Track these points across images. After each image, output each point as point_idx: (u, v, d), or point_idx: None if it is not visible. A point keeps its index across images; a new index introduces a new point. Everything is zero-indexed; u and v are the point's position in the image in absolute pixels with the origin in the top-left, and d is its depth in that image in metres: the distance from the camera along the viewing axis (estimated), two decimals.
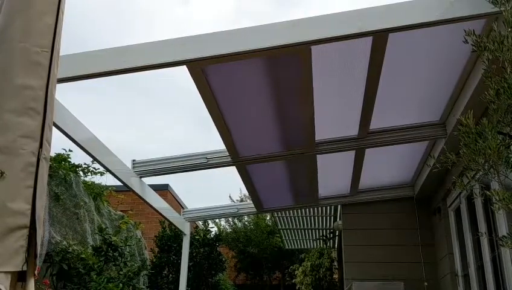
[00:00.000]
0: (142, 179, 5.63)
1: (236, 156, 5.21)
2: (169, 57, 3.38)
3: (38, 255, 1.50)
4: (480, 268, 5.25)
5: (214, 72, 3.67)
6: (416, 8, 3.27)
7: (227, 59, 3.41)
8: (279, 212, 9.22)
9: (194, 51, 3.37)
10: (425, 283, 6.59)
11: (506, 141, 2.48)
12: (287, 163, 5.78)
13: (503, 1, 2.52)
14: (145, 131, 28.83)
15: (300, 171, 6.11)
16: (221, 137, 4.71)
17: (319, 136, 4.98)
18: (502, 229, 4.24)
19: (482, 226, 4.90)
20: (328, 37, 3.27)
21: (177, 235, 10.36)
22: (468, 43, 2.57)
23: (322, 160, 5.70)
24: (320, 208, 9.11)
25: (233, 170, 5.62)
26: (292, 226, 10.43)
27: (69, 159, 7.28)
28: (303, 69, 3.65)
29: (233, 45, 3.34)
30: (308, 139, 4.92)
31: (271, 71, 3.90)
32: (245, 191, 19.23)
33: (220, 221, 18.31)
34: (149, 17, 23.67)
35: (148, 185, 5.88)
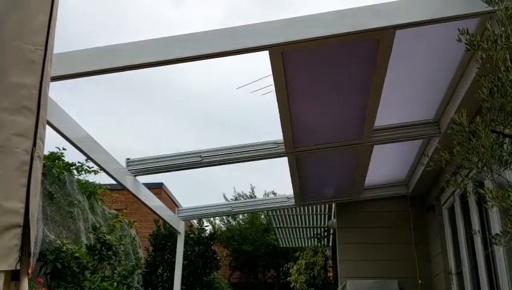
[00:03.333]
0: (137, 177, 5.62)
1: (292, 147, 5.09)
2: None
3: (32, 254, 1.50)
4: (473, 266, 5.28)
5: (290, 59, 3.61)
6: (409, 6, 3.27)
7: (313, 44, 3.32)
8: (275, 211, 9.23)
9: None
10: (420, 281, 6.63)
11: (500, 139, 2.49)
12: (337, 155, 5.68)
13: (497, 0, 2.52)
14: (141, 130, 28.78)
15: (350, 163, 5.97)
16: (282, 125, 4.59)
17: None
18: (496, 227, 4.27)
19: (476, 224, 4.92)
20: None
21: (172, 233, 10.35)
22: (461, 42, 2.58)
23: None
24: (314, 206, 9.12)
25: (232, 169, 5.57)
26: (287, 224, 10.43)
27: (62, 158, 7.26)
28: (380, 55, 3.58)
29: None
30: (367, 129, 4.84)
31: (341, 58, 3.84)
32: (240, 191, 19.33)
33: (214, 220, 18.32)
34: (139, 19, 23.54)
35: (143, 183, 5.86)
